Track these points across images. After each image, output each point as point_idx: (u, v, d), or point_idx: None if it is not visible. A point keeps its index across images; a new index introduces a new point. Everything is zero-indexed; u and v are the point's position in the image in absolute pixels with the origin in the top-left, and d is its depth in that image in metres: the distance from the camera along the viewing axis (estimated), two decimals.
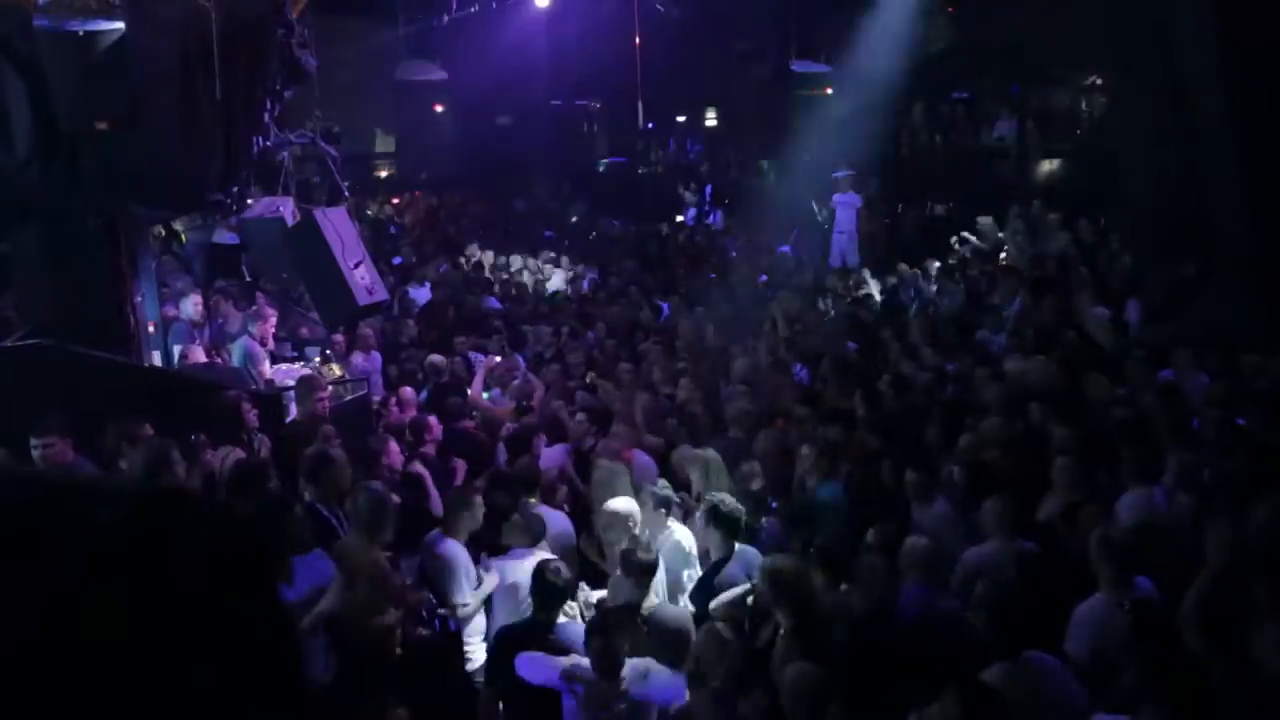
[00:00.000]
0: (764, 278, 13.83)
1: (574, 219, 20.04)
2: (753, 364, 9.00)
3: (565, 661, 4.25)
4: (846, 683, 3.87)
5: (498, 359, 9.35)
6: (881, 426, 6.93)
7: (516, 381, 8.58)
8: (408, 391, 8.59)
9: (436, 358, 9.48)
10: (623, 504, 5.62)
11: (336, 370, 9.00)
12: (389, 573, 4.97)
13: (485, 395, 8.73)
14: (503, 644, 4.62)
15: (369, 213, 17.18)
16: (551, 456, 6.95)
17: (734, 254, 15.63)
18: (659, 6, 16.07)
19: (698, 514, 5.58)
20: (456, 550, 5.34)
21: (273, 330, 9.29)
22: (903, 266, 12.60)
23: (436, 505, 6.10)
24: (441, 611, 5.01)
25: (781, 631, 4.40)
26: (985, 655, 3.98)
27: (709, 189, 20.55)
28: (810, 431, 6.93)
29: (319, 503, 5.38)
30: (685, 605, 5.20)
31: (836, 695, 3.75)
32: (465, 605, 5.18)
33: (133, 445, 5.86)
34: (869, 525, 5.38)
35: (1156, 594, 4.67)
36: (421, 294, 12.27)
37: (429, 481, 6.37)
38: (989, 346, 9.23)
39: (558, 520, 5.98)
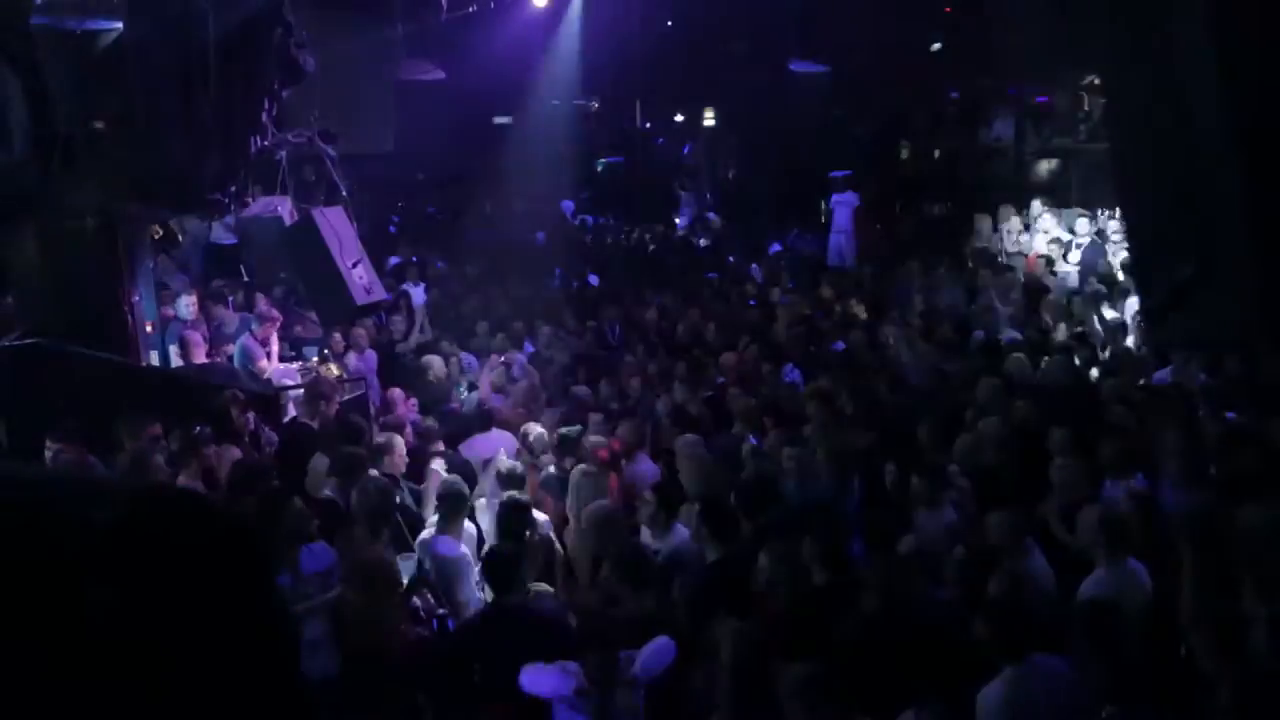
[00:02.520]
0: (756, 271, 13.82)
1: (576, 219, 20.02)
2: (744, 362, 9.00)
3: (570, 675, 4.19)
4: (843, 680, 3.87)
5: (502, 359, 9.34)
6: (873, 425, 6.94)
7: (522, 383, 8.57)
8: (396, 393, 8.59)
9: (431, 357, 9.48)
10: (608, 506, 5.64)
11: (334, 370, 8.99)
12: (390, 568, 4.98)
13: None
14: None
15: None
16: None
17: (731, 255, 15.60)
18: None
19: (695, 514, 5.57)
20: (456, 548, 5.35)
21: (276, 331, 9.28)
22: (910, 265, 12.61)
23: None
24: (441, 611, 5.01)
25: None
26: (987, 656, 3.98)
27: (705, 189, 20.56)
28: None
29: (340, 496, 5.38)
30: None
31: (835, 693, 3.75)
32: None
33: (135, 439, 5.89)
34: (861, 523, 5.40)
35: (1149, 579, 4.71)
36: (418, 293, 12.24)
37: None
38: (990, 345, 9.23)
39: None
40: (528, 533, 5.50)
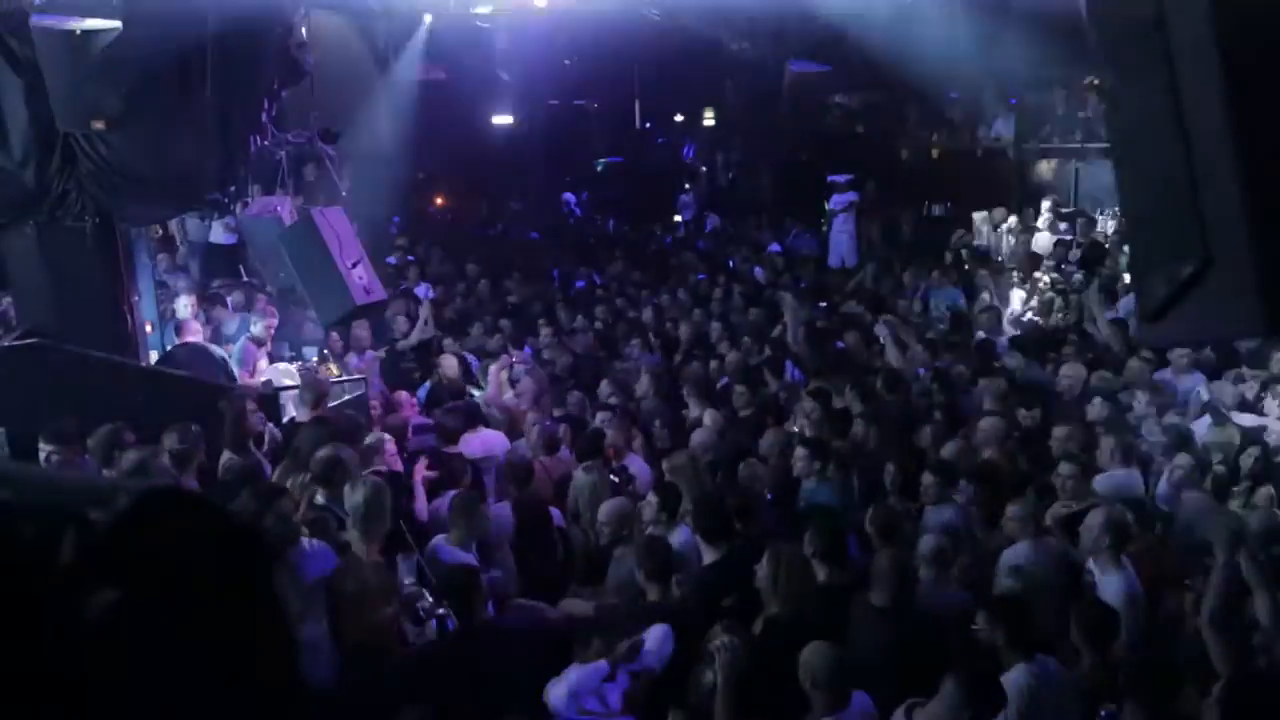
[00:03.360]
0: (759, 272, 13.83)
1: (573, 218, 20.05)
2: (744, 362, 8.99)
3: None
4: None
5: (513, 358, 9.35)
6: (877, 423, 6.94)
7: (528, 382, 8.55)
8: (403, 395, 8.58)
9: (445, 356, 9.49)
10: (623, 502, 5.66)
11: (334, 370, 8.98)
12: (383, 567, 4.97)
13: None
14: None
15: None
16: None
17: (731, 255, 15.57)
18: (654, 15, 16.08)
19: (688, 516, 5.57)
20: (460, 555, 5.35)
21: (273, 331, 9.27)
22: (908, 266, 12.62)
23: (422, 510, 6.11)
24: (440, 611, 5.00)
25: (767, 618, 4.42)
26: (994, 652, 4.01)
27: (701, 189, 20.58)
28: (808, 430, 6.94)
29: (333, 504, 5.37)
30: None
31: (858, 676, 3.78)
32: None
33: (120, 450, 5.86)
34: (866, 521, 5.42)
35: (1137, 581, 4.72)
36: (422, 291, 12.24)
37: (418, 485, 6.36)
38: (988, 345, 9.24)
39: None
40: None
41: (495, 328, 10.88)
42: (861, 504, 6.07)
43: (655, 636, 4.33)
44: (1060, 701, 3.97)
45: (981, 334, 9.77)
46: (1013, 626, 4.04)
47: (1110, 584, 4.65)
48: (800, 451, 6.31)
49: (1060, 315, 10.41)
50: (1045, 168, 16.74)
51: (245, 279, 11.37)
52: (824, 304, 11.53)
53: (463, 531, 5.42)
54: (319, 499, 5.45)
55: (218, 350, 8.44)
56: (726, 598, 4.72)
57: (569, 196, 20.75)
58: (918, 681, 3.83)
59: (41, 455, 5.76)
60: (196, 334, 8.62)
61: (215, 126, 7.01)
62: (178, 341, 8.46)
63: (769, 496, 6.22)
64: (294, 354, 9.68)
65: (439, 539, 5.51)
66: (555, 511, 6.18)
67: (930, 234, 15.79)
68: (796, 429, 7.15)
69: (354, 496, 4.98)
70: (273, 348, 9.29)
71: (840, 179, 15.49)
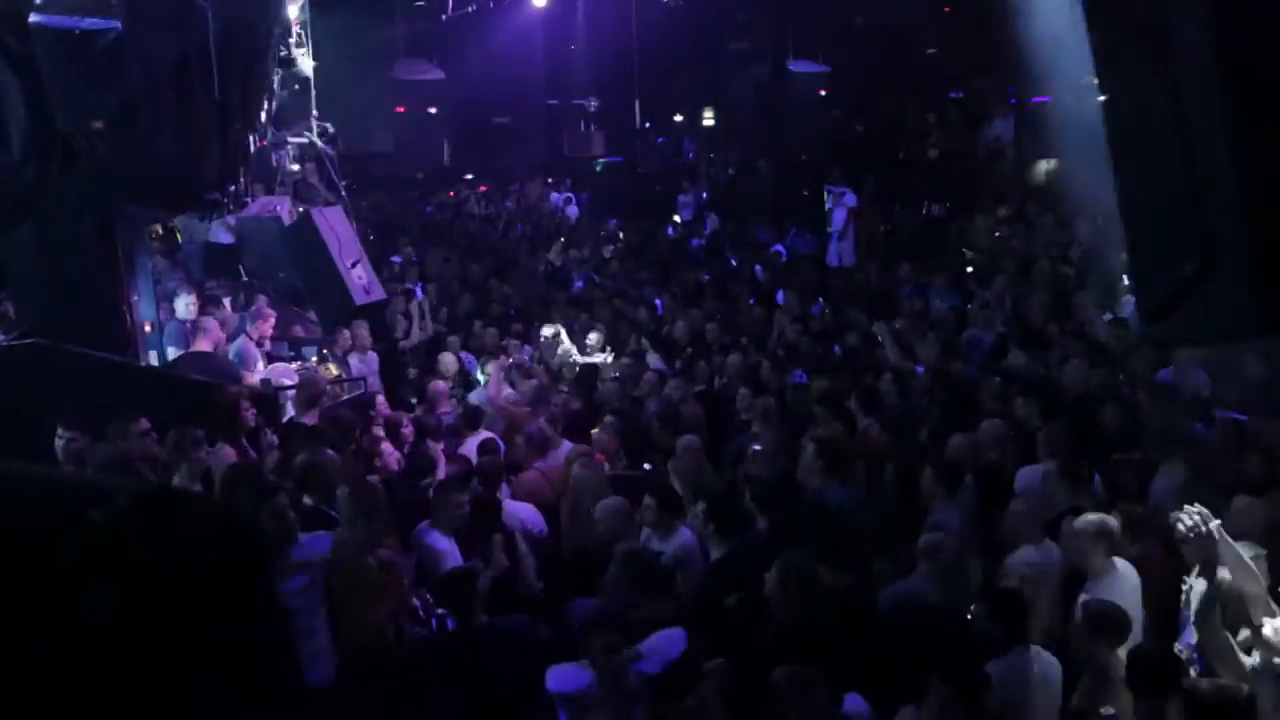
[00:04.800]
0: (760, 272, 13.82)
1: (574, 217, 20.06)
2: (747, 363, 8.98)
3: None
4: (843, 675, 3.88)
5: (512, 359, 9.33)
6: (888, 425, 6.94)
7: (534, 381, 8.55)
8: (440, 386, 8.56)
9: (445, 354, 9.49)
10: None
11: (333, 370, 8.96)
12: (372, 567, 4.97)
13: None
14: None
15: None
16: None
17: (730, 256, 15.57)
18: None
19: (696, 514, 5.54)
20: (442, 542, 5.37)
21: (271, 331, 9.26)
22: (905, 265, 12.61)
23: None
24: (440, 611, 5.00)
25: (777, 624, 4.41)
26: (983, 648, 4.01)
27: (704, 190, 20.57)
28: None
29: (323, 505, 5.38)
30: None
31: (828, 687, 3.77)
32: None
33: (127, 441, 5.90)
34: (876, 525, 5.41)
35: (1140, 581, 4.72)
36: (420, 291, 12.22)
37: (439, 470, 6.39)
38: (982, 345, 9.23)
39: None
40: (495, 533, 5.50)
41: (489, 324, 10.89)
42: (868, 503, 6.05)
43: (664, 639, 4.31)
44: (1049, 691, 3.98)
45: (982, 334, 9.76)
46: (1012, 622, 4.05)
47: (1103, 586, 4.62)
48: (810, 450, 6.27)
49: (1059, 315, 10.38)
50: (1044, 168, 16.76)
51: (244, 279, 11.36)
52: (823, 304, 11.52)
53: (442, 517, 5.48)
54: (307, 502, 5.45)
55: (222, 359, 8.45)
56: (733, 596, 4.69)
57: (556, 196, 20.77)
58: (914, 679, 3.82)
59: (59, 442, 5.82)
60: (214, 334, 8.62)
61: (215, 126, 7.02)
62: (195, 343, 8.48)
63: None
64: (294, 354, 9.66)
65: (424, 524, 5.57)
66: (535, 517, 6.13)
67: (930, 234, 15.78)
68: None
69: (344, 498, 5.03)
70: (272, 348, 9.28)
71: (835, 189, 15.47)
